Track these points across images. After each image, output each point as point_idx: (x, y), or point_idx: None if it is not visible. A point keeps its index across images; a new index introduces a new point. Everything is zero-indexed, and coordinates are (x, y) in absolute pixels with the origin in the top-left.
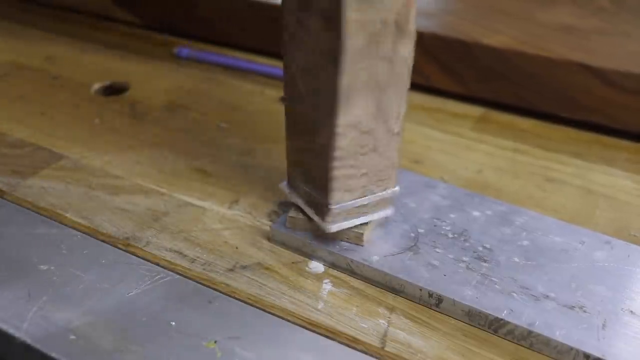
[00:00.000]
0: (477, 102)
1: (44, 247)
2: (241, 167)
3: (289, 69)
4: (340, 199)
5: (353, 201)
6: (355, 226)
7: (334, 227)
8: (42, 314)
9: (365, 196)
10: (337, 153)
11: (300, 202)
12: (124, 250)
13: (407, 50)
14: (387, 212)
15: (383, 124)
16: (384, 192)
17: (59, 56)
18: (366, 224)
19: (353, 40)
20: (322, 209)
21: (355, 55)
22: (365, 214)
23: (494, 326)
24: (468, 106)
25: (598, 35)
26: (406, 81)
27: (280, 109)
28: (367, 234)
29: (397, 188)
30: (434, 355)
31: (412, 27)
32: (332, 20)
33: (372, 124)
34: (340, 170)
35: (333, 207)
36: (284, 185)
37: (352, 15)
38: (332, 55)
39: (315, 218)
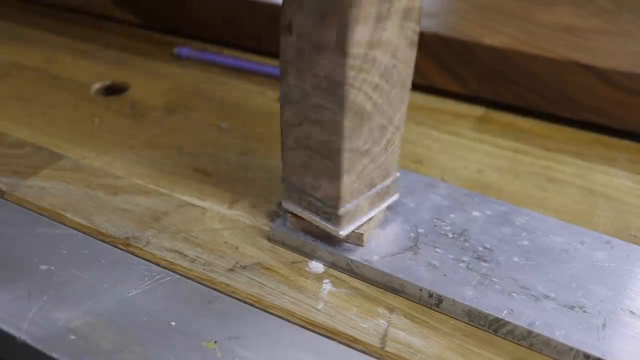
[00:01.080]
0: (478, 102)
1: (44, 247)
2: (241, 167)
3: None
4: (348, 200)
5: (359, 199)
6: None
7: (345, 232)
8: (42, 314)
9: (370, 191)
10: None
11: (304, 214)
12: (124, 250)
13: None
14: (393, 198)
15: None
16: (386, 181)
17: (59, 56)
18: (367, 223)
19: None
20: (330, 215)
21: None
22: (372, 206)
23: (494, 326)
24: (468, 106)
25: (599, 35)
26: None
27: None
28: (367, 234)
29: (398, 174)
30: (434, 355)
31: None
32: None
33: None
34: (350, 171)
35: (342, 211)
36: (286, 202)
37: None
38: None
39: (324, 225)
